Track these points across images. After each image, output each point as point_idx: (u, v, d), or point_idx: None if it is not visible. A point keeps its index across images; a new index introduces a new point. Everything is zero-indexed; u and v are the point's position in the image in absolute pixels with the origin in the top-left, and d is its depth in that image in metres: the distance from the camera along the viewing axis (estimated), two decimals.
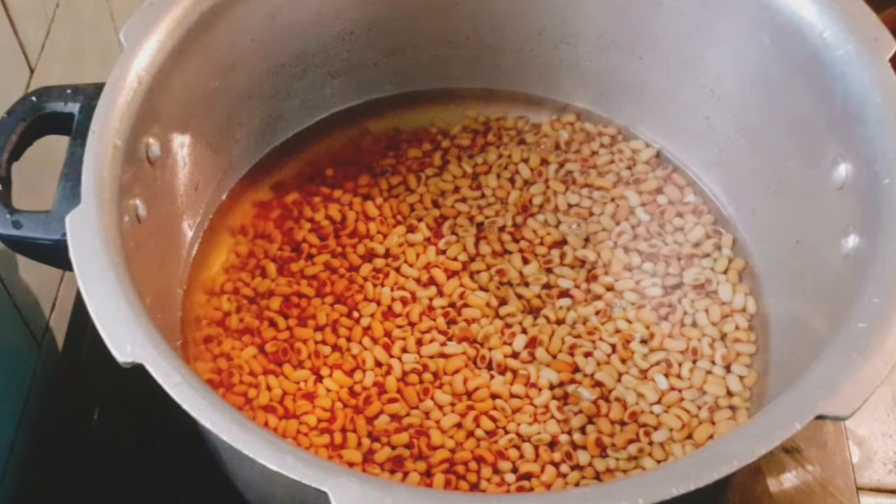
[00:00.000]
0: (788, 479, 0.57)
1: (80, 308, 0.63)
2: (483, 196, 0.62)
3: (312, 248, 0.60)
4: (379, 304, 0.57)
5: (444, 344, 0.55)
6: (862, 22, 0.49)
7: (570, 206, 0.62)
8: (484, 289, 0.58)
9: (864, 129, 0.47)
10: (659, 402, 0.53)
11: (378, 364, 0.55)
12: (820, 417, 0.38)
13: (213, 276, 0.59)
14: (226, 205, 0.61)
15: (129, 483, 0.55)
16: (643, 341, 0.55)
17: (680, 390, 0.54)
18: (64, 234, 0.43)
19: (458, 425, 0.53)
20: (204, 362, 0.55)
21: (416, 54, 0.65)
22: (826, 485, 0.56)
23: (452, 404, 0.53)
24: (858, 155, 0.47)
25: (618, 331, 0.56)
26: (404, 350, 0.55)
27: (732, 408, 0.54)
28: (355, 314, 0.57)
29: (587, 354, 0.55)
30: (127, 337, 0.39)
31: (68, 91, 0.49)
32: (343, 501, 0.35)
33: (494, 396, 0.54)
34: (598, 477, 0.51)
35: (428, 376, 0.54)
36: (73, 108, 0.49)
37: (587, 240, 0.60)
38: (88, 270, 0.41)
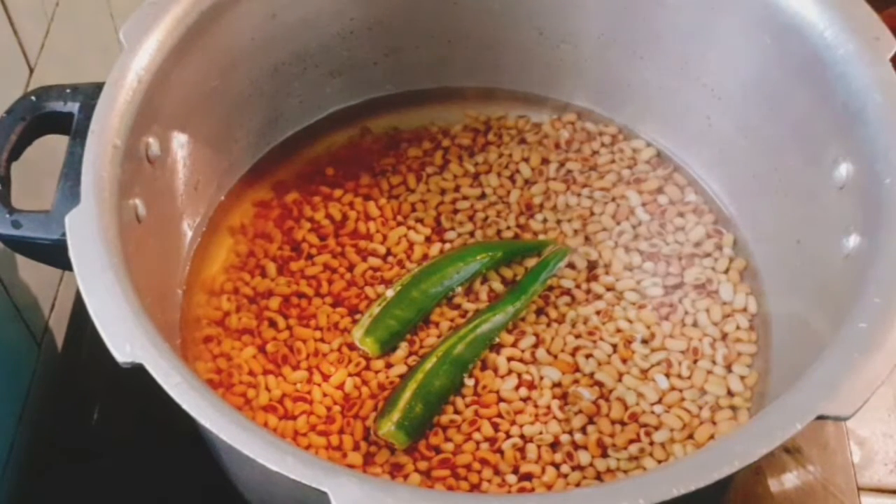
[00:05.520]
0: (789, 480, 0.57)
1: (79, 308, 0.63)
2: (484, 196, 0.62)
3: (312, 248, 0.60)
4: None
5: None
6: (863, 21, 0.49)
7: (570, 205, 0.62)
8: None
9: (865, 129, 0.47)
10: (660, 402, 0.53)
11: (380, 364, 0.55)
12: (821, 418, 0.38)
13: (213, 276, 0.58)
14: (226, 204, 0.61)
15: (130, 483, 0.55)
16: (644, 341, 0.55)
17: (681, 390, 0.54)
18: (63, 234, 0.43)
19: (459, 426, 0.52)
20: (204, 362, 0.55)
21: (416, 54, 0.65)
22: (827, 485, 0.56)
23: (454, 404, 0.53)
24: (859, 154, 0.47)
25: (619, 331, 0.56)
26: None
27: (733, 408, 0.53)
28: (357, 315, 0.57)
29: (588, 355, 0.55)
30: (127, 337, 0.39)
31: (68, 90, 0.49)
32: (343, 502, 0.35)
33: (499, 398, 0.54)
34: (599, 477, 0.51)
35: None
36: (73, 107, 0.49)
37: (588, 239, 0.60)
38: (88, 270, 0.41)
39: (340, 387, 0.54)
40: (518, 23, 0.63)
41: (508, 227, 0.61)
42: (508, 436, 0.52)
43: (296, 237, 0.60)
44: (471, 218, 0.61)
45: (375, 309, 0.56)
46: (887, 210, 0.44)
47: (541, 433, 0.52)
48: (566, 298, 0.57)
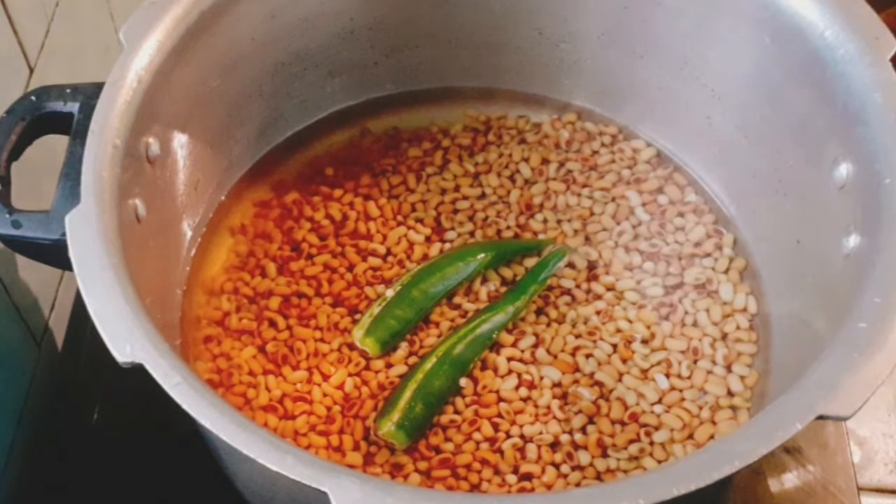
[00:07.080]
0: (789, 480, 0.57)
1: (79, 308, 0.63)
2: (484, 196, 0.62)
3: (312, 248, 0.59)
4: None
5: None
6: (863, 21, 0.49)
7: (570, 205, 0.62)
8: None
9: (865, 129, 0.47)
10: (660, 402, 0.53)
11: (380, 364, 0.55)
12: (821, 417, 0.38)
13: (213, 276, 0.58)
14: (226, 204, 0.61)
15: (129, 483, 0.55)
16: (644, 341, 0.55)
17: (681, 390, 0.54)
18: (63, 234, 0.43)
19: (459, 426, 0.52)
20: (204, 362, 0.55)
21: (416, 54, 0.65)
22: (827, 485, 0.56)
23: (454, 404, 0.53)
24: (859, 154, 0.47)
25: (619, 331, 0.56)
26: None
27: (733, 408, 0.53)
28: (357, 315, 0.57)
29: (588, 355, 0.55)
30: (127, 337, 0.39)
31: (68, 90, 0.49)
32: (343, 502, 0.35)
33: (499, 398, 0.54)
34: (598, 477, 0.51)
35: None
36: (73, 107, 0.49)
37: (588, 239, 0.60)
38: (88, 270, 0.41)
39: (340, 387, 0.54)
40: (518, 23, 0.63)
41: (508, 227, 0.61)
42: (508, 436, 0.52)
43: (296, 237, 0.60)
44: (471, 218, 0.61)
45: (376, 309, 0.56)
46: (887, 210, 0.44)
47: (541, 433, 0.52)
48: (566, 298, 0.57)
